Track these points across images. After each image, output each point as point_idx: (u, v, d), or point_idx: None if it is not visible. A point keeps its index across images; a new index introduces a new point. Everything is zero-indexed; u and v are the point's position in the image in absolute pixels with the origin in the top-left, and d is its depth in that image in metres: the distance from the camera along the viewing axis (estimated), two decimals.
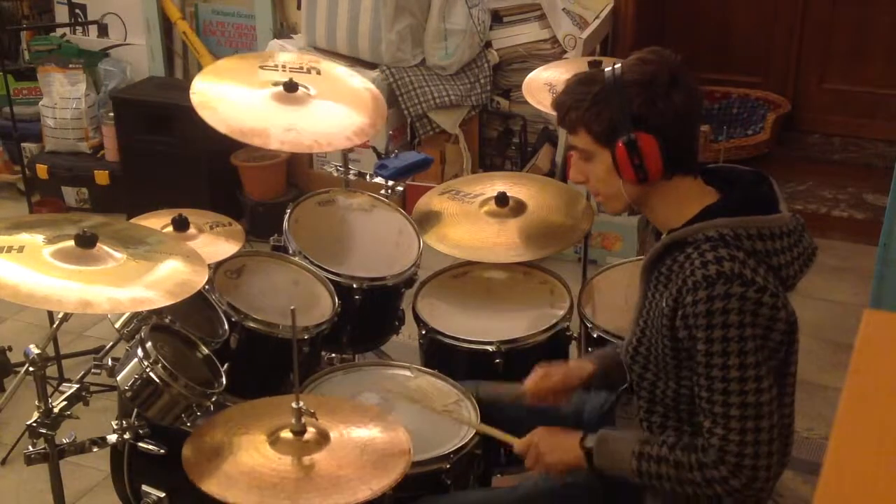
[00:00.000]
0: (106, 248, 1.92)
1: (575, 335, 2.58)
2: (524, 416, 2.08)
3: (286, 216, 2.59)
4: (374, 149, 3.96)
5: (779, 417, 1.68)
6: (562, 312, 2.53)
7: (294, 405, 1.78)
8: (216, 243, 2.44)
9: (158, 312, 2.07)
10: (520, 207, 2.64)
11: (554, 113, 1.83)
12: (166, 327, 2.08)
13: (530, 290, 2.64)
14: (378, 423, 1.89)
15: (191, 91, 2.49)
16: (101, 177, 4.50)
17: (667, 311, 1.69)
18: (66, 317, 2.09)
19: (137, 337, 1.98)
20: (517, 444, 1.94)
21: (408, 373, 2.30)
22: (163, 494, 2.04)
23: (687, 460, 1.70)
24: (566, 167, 4.17)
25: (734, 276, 1.62)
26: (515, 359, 2.39)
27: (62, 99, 4.59)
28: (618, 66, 1.74)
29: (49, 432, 1.94)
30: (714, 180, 1.80)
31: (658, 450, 1.73)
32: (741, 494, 1.68)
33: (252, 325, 2.29)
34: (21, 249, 1.85)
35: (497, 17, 4.37)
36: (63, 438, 1.99)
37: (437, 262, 2.72)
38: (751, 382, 1.63)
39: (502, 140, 4.43)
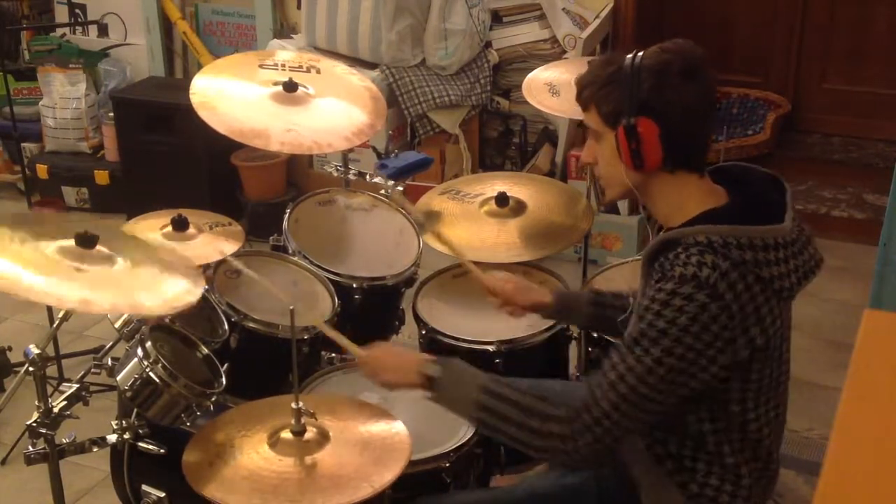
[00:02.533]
0: (106, 250, 1.91)
1: (575, 335, 2.58)
2: None
3: (286, 216, 2.59)
4: (374, 149, 3.97)
5: (643, 419, 1.69)
6: None
7: (294, 405, 1.78)
8: (216, 243, 2.44)
9: None
10: (520, 207, 2.63)
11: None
12: (166, 327, 2.08)
13: None
14: (377, 421, 1.89)
15: (190, 90, 2.48)
16: (101, 177, 4.50)
17: None
18: (66, 316, 2.08)
19: (137, 337, 1.98)
20: (358, 354, 1.96)
21: None
22: (163, 494, 2.04)
23: (536, 407, 1.71)
24: (566, 167, 4.18)
25: (705, 285, 1.61)
26: (515, 359, 2.39)
27: (62, 99, 4.59)
28: (641, 52, 1.74)
29: (49, 432, 1.93)
30: (725, 179, 1.79)
31: (508, 390, 1.74)
32: (556, 456, 1.72)
33: (252, 325, 2.29)
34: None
35: (497, 17, 4.38)
36: (63, 438, 1.99)
37: (437, 262, 2.72)
38: (651, 378, 1.64)
39: (502, 140, 4.42)
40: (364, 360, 1.94)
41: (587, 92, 1.78)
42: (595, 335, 2.43)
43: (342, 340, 2.01)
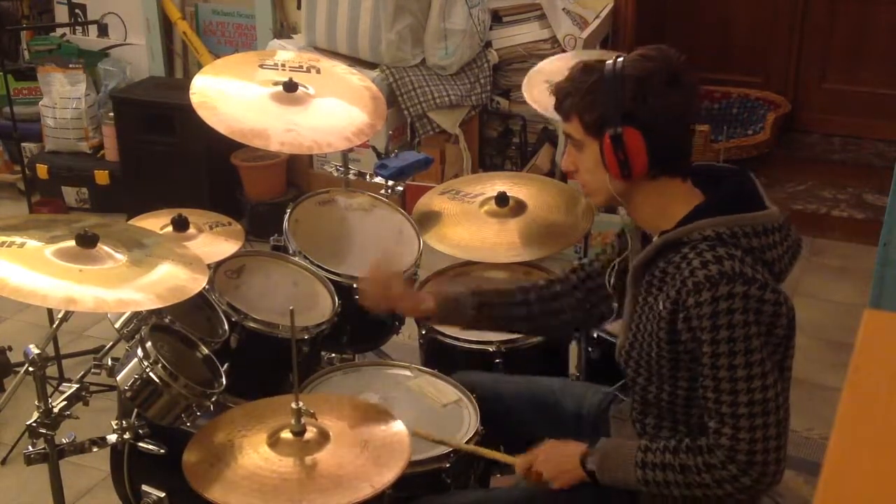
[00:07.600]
0: (107, 248, 1.92)
1: (575, 335, 2.58)
2: (525, 409, 2.10)
3: (286, 216, 2.59)
4: (374, 149, 3.96)
5: (784, 412, 1.68)
6: None
7: (294, 405, 1.78)
8: (216, 243, 2.44)
9: (158, 312, 2.07)
10: (520, 207, 2.64)
11: (550, 113, 1.84)
12: (166, 327, 2.08)
13: None
14: (377, 421, 1.90)
15: (190, 90, 2.49)
16: (101, 177, 4.50)
17: (665, 315, 1.68)
18: (67, 316, 2.09)
19: (137, 337, 1.98)
20: (518, 464, 1.91)
21: (408, 373, 2.30)
22: (163, 494, 2.05)
23: (693, 463, 1.69)
24: None
25: (736, 276, 1.62)
26: (515, 359, 2.39)
27: (62, 99, 4.59)
28: (621, 58, 1.73)
29: (49, 432, 1.94)
30: (696, 180, 1.79)
31: (661, 457, 1.72)
32: (752, 490, 1.68)
33: (252, 325, 2.29)
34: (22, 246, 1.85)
35: (497, 17, 4.38)
36: (63, 438, 1.99)
37: (437, 262, 2.72)
38: (757, 380, 1.63)
39: (502, 140, 4.43)
40: (525, 470, 1.89)
41: (569, 102, 1.75)
42: (595, 335, 2.43)
43: (495, 455, 1.99)
